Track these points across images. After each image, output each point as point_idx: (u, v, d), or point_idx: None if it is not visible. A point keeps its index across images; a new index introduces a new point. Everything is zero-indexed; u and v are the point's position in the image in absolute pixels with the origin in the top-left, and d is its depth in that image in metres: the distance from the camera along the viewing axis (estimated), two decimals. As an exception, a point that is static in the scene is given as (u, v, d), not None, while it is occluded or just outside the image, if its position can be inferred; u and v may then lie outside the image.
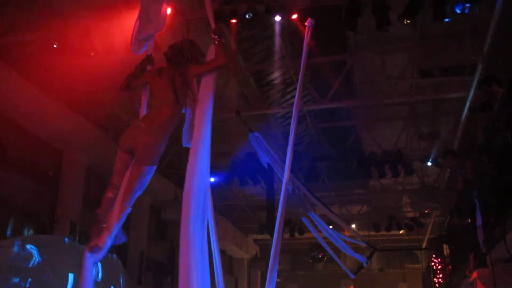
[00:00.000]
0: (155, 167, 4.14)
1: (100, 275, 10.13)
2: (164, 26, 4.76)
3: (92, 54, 9.02)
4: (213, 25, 4.50)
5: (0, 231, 8.88)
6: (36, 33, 8.70)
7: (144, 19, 4.69)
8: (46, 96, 9.80)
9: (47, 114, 9.99)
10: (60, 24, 8.75)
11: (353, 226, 18.21)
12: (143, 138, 4.03)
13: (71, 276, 9.29)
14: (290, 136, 5.49)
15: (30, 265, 8.42)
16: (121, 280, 11.17)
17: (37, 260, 8.55)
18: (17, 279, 8.06)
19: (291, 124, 5.51)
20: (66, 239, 10.15)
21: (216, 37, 4.32)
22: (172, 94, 4.13)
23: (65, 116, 10.46)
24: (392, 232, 18.12)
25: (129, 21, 7.61)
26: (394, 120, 13.83)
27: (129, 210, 4.16)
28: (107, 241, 4.04)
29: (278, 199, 5.38)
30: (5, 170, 9.41)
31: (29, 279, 8.18)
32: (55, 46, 8.90)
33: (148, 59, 4.57)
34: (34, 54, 9.31)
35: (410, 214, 18.06)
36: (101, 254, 4.06)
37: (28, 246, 8.45)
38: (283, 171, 5.58)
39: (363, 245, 11.41)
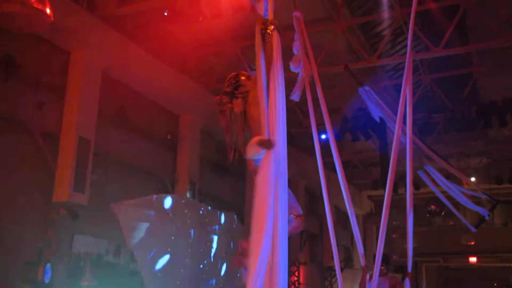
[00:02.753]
0: None
1: (219, 229, 10.63)
2: None
3: (200, 19, 9.27)
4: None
5: (127, 191, 9.53)
6: (148, 2, 9.05)
7: None
8: (161, 63, 10.26)
9: (162, 80, 10.49)
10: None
11: (473, 179, 17.47)
12: None
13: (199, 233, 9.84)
14: (402, 85, 5.31)
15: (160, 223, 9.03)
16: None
17: (168, 217, 9.16)
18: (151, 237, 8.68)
19: (405, 71, 5.31)
20: (195, 200, 10.73)
21: None
22: None
23: (179, 81, 10.92)
24: (515, 184, 17.17)
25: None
26: (515, 65, 12.89)
27: None
28: None
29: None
30: (128, 134, 10.06)
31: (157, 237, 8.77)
32: (165, 14, 9.24)
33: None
34: (146, 23, 9.74)
35: (536, 165, 16.92)
36: None
37: (158, 204, 9.06)
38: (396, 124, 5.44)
39: (484, 197, 10.96)
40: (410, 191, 4.85)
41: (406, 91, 5.04)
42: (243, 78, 4.34)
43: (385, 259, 7.59)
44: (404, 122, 5.26)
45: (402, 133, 5.26)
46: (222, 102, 4.30)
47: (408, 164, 4.91)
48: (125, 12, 9.23)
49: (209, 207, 10.65)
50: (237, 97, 4.29)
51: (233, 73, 4.39)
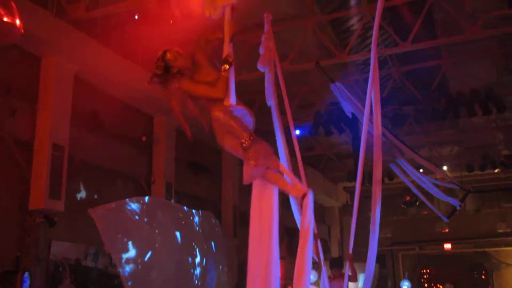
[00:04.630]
0: None
1: (197, 229, 10.71)
2: None
3: (171, 21, 9.28)
4: (225, 51, 4.36)
5: (103, 196, 9.54)
6: (118, 6, 9.03)
7: None
8: (133, 65, 10.24)
9: (135, 82, 10.45)
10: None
11: (445, 168, 17.82)
12: None
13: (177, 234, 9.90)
14: (369, 81, 5.47)
15: (137, 226, 9.07)
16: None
17: (145, 220, 9.19)
18: (129, 239, 8.72)
19: (370, 68, 5.48)
20: (171, 200, 10.77)
21: (224, 66, 4.22)
22: None
23: (152, 82, 10.89)
24: (486, 172, 17.56)
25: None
26: (482, 57, 13.19)
27: None
28: None
29: (369, 146, 5.43)
30: (102, 138, 10.04)
31: (134, 239, 8.80)
32: (136, 16, 9.23)
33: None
34: (117, 26, 9.71)
35: (505, 152, 17.34)
36: None
37: (134, 207, 9.09)
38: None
39: (456, 187, 11.19)
40: (377, 187, 5.05)
41: (372, 88, 5.23)
42: (169, 56, 4.36)
43: (339, 263, 7.81)
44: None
45: (371, 128, 5.44)
46: (159, 83, 4.38)
47: (375, 158, 5.11)
48: (95, 15, 9.19)
49: (185, 208, 10.72)
50: (172, 76, 4.33)
51: (159, 53, 4.42)
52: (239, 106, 4.26)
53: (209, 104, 4.21)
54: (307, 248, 4.03)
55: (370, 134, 5.40)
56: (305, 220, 4.08)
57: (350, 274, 5.71)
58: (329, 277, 5.91)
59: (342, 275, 6.56)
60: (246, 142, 4.01)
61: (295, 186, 4.20)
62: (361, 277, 5.81)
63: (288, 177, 4.23)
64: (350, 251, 5.58)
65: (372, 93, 5.26)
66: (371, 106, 5.29)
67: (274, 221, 4.15)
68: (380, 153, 5.16)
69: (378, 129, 5.13)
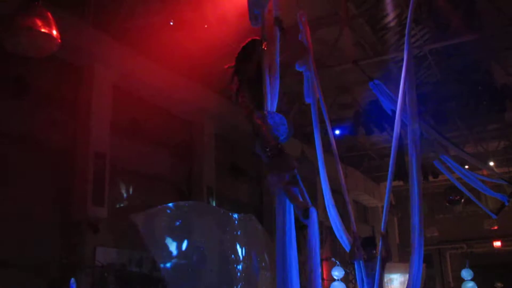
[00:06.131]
0: None
1: (239, 231, 10.70)
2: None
3: (206, 26, 9.32)
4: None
5: (145, 201, 9.64)
6: (154, 14, 9.14)
7: None
8: (170, 72, 10.34)
9: (172, 89, 10.57)
10: (173, 1, 9.12)
11: (491, 163, 17.31)
12: None
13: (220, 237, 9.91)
14: (402, 77, 5.40)
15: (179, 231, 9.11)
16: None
17: (187, 224, 9.23)
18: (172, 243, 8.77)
19: (403, 65, 5.41)
20: (212, 205, 10.80)
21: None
22: None
23: (189, 88, 11.00)
24: (535, 166, 17.02)
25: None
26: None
27: None
28: None
29: (406, 145, 5.34)
30: (142, 145, 10.16)
31: (177, 245, 8.85)
32: (171, 23, 9.31)
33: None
34: (153, 34, 9.81)
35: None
36: None
37: (176, 211, 9.13)
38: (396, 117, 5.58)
39: (503, 183, 10.86)
40: (418, 180, 4.96)
41: (406, 83, 5.17)
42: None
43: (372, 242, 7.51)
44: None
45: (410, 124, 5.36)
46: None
47: (414, 155, 5.03)
48: (132, 25, 9.32)
49: (228, 212, 10.71)
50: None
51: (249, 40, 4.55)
52: (276, 114, 4.27)
53: (251, 108, 4.27)
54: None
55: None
56: (311, 238, 4.07)
57: (384, 254, 5.54)
58: (364, 259, 5.74)
59: (375, 256, 6.35)
60: (270, 152, 4.05)
61: (303, 200, 4.17)
62: (397, 277, 5.67)
63: (300, 192, 4.21)
64: (383, 230, 5.46)
65: (407, 89, 5.18)
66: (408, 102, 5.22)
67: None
68: (415, 149, 5.07)
69: (414, 124, 5.07)
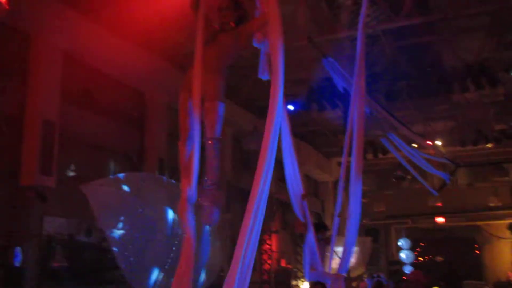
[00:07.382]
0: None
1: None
2: None
3: (161, -4, 9.19)
4: None
5: (95, 172, 9.57)
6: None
7: None
8: (124, 41, 10.17)
9: (127, 59, 10.42)
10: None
11: (439, 142, 17.87)
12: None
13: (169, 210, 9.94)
14: (356, 57, 5.53)
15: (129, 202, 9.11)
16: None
17: (137, 196, 9.22)
18: (121, 215, 8.77)
19: (357, 44, 5.55)
20: (164, 177, 10.78)
21: None
22: None
23: (144, 58, 10.86)
24: (479, 146, 17.62)
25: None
26: (475, 31, 13.12)
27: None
28: None
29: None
30: (93, 115, 10.03)
31: (127, 215, 8.86)
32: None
33: None
34: (108, 2, 9.60)
35: (498, 127, 17.39)
36: None
37: (126, 182, 9.11)
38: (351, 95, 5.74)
39: (447, 162, 11.29)
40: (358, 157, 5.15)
41: (357, 62, 5.32)
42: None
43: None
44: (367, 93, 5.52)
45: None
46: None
47: (354, 134, 5.23)
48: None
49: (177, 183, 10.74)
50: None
51: None
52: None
53: None
54: None
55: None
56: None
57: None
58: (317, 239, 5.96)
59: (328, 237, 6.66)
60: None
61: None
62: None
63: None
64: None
65: (357, 67, 5.35)
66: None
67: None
68: (362, 127, 5.27)
69: (361, 105, 5.24)
